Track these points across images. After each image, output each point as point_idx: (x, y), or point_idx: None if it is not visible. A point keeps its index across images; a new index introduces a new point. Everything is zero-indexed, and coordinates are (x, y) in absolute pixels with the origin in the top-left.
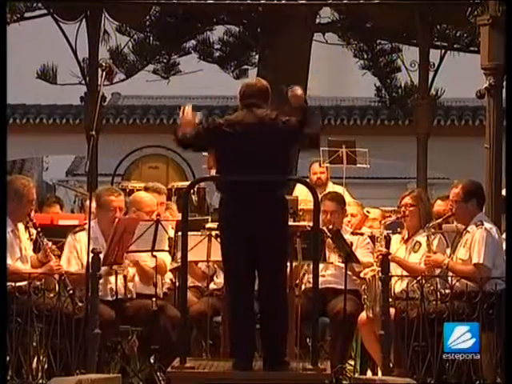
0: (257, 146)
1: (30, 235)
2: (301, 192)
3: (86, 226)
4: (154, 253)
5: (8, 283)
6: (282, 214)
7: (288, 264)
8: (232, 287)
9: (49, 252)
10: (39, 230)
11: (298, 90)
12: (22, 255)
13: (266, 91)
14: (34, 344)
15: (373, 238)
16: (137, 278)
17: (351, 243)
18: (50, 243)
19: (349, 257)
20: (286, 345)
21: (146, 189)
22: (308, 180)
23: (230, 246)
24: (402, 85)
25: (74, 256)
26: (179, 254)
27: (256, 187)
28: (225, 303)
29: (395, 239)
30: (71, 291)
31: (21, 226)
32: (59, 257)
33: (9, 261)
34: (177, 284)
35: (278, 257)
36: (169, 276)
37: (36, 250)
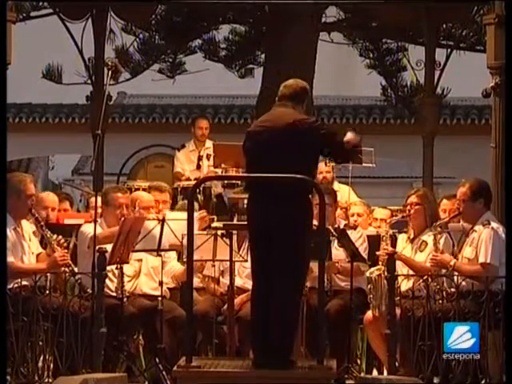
0: (276, 145)
1: (41, 234)
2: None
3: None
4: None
5: (13, 283)
6: (296, 213)
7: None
8: (253, 286)
9: (53, 244)
10: (42, 224)
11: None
12: (25, 253)
13: (301, 92)
14: (40, 343)
15: (379, 237)
16: (141, 276)
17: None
18: (55, 235)
19: (354, 256)
20: (293, 344)
21: (149, 187)
22: None
23: (253, 243)
24: (408, 84)
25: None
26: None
27: (273, 186)
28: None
29: (401, 238)
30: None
31: (25, 223)
32: (66, 248)
33: (11, 258)
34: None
35: (292, 256)
36: None
37: (43, 245)
